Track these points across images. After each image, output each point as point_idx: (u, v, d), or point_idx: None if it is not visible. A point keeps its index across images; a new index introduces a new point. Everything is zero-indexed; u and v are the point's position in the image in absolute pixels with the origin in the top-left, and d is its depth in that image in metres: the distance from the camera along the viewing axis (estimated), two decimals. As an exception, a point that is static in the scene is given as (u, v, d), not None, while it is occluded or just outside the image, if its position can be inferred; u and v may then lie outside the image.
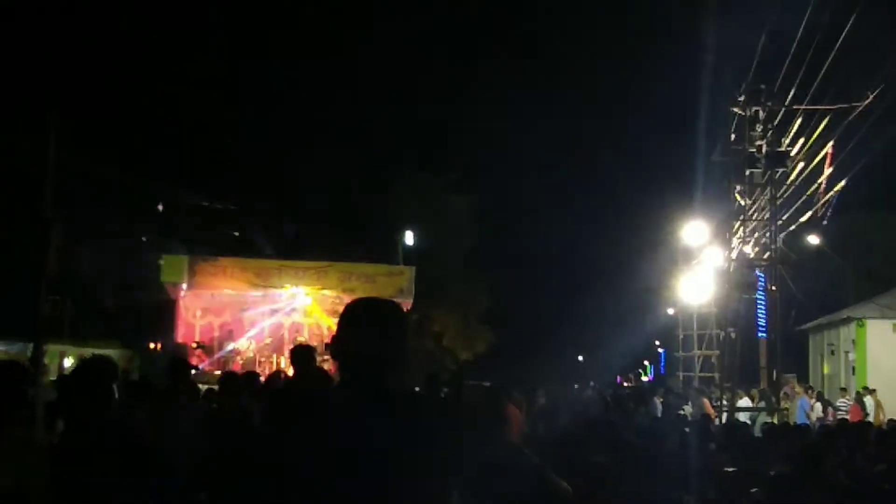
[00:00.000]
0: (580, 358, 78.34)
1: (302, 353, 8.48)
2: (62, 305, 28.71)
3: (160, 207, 35.63)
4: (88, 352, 28.70)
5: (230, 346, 25.87)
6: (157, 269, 26.99)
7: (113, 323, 36.01)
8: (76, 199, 27.23)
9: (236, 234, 38.23)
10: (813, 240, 32.89)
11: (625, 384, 55.08)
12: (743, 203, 26.42)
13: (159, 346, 28.72)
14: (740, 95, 24.71)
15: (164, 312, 28.16)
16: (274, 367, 24.19)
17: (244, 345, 25.93)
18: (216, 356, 25.56)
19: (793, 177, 26.00)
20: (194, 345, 25.59)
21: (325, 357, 15.91)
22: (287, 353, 25.89)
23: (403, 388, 3.35)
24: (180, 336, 26.18)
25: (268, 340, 26.28)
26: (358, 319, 3.22)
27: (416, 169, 43.32)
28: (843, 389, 27.23)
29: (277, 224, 38.95)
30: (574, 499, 6.74)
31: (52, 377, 19.13)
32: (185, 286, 25.94)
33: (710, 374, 31.36)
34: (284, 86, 42.55)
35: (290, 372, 9.74)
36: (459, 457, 3.21)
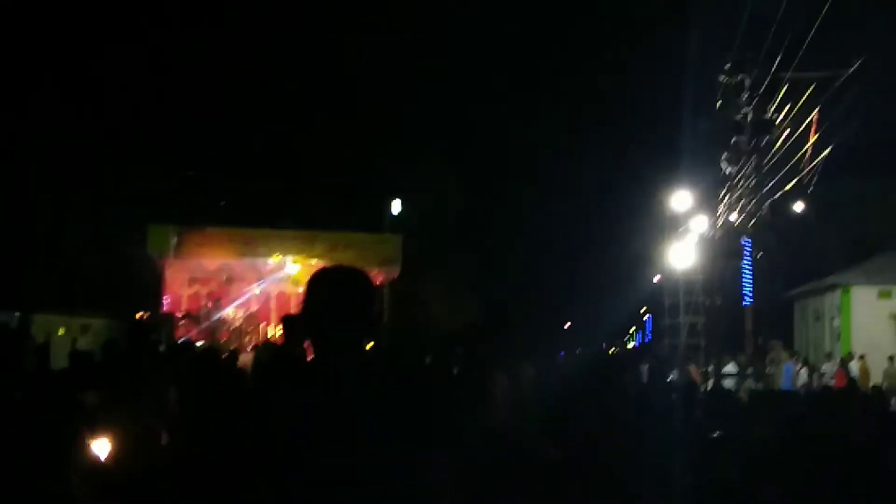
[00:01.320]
0: (568, 325, 78.57)
1: (291, 323, 8.54)
2: (49, 276, 28.64)
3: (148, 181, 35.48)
4: (76, 322, 28.76)
5: (217, 316, 25.89)
6: (144, 240, 26.91)
7: (100, 293, 35.93)
8: (63, 169, 27.09)
9: (223, 203, 38.11)
10: (798, 207, 32.95)
11: (611, 351, 55.25)
12: (729, 171, 26.46)
13: (146, 316, 28.68)
14: (726, 63, 24.71)
15: (150, 282, 28.14)
16: (262, 337, 24.28)
17: (231, 314, 25.95)
18: (203, 326, 25.57)
19: (778, 144, 26.03)
20: (181, 315, 25.60)
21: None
22: (276, 323, 25.99)
23: (379, 355, 3.39)
24: (167, 306, 26.18)
25: (255, 310, 26.31)
26: (330, 287, 3.21)
27: (403, 137, 43.23)
28: (829, 355, 27.43)
29: (265, 193, 38.81)
30: (561, 465, 6.80)
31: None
32: (171, 256, 25.91)
33: (696, 341, 31.51)
34: (271, 53, 42.23)
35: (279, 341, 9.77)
36: (441, 426, 3.23)
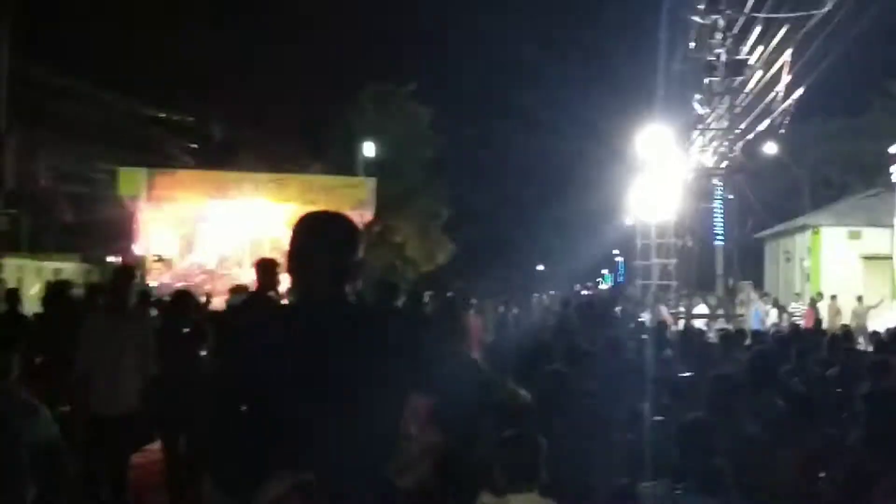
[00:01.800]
0: (540, 267, 78.91)
1: (266, 267, 8.56)
2: (19, 219, 28.44)
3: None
4: (48, 266, 28.61)
5: (190, 259, 25.81)
6: (115, 182, 26.70)
7: (71, 236, 35.73)
8: (31, 110, 26.77)
9: (194, 145, 37.85)
10: (770, 148, 33.12)
11: (584, 293, 55.57)
12: (702, 112, 26.50)
13: (119, 259, 28.56)
14: (700, 3, 24.64)
15: (122, 225, 27.98)
16: (235, 280, 24.23)
17: (204, 257, 25.87)
18: (176, 269, 25.49)
19: (751, 85, 26.07)
20: (154, 258, 25.49)
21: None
22: (250, 266, 25.95)
23: (359, 299, 3.47)
24: (140, 249, 26.05)
25: (228, 253, 26.23)
26: (315, 233, 3.26)
27: (374, 79, 42.95)
28: (798, 295, 27.71)
29: (236, 135, 38.54)
30: (532, 406, 6.87)
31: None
32: (143, 199, 25.74)
33: (667, 283, 31.73)
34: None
35: (254, 285, 9.71)
36: (419, 369, 3.34)
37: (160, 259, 25.45)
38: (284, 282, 11.73)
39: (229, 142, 37.57)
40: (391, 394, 3.16)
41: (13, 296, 11.33)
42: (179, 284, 23.52)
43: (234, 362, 3.31)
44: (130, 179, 26.02)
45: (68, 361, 7.91)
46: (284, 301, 9.16)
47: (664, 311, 22.31)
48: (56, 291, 11.53)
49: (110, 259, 29.05)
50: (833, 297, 25.29)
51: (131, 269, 9.33)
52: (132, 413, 7.70)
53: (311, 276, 3.22)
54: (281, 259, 12.69)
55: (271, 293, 8.63)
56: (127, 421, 7.70)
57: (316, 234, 3.26)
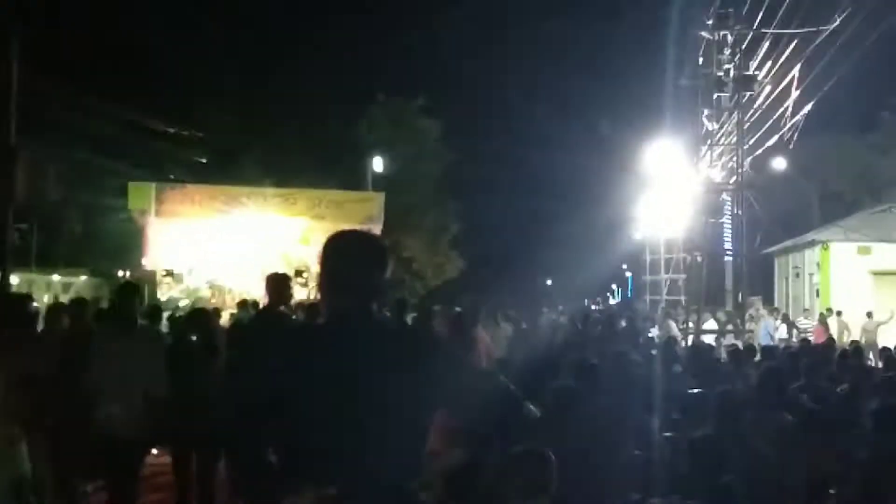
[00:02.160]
0: (549, 282, 78.86)
1: (277, 282, 8.57)
2: (29, 234, 28.55)
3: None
4: (57, 280, 28.70)
5: (199, 274, 25.83)
6: (124, 197, 26.77)
7: (80, 251, 35.83)
8: (41, 124, 26.86)
9: (204, 160, 37.93)
10: (779, 163, 33.11)
11: (593, 307, 55.57)
12: (710, 127, 26.49)
13: (127, 274, 28.65)
14: (708, 19, 24.65)
15: (131, 240, 28.05)
16: (243, 295, 24.24)
17: (213, 272, 25.89)
18: (185, 284, 25.52)
19: (760, 100, 26.07)
20: (163, 272, 25.51)
21: (296, 283, 16.06)
22: (259, 280, 25.95)
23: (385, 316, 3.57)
24: (149, 264, 26.09)
25: (237, 267, 26.26)
26: (349, 252, 3.38)
27: (384, 94, 43.00)
28: (807, 310, 27.63)
29: (245, 150, 38.61)
30: (542, 422, 6.86)
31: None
32: (152, 213, 25.78)
33: (676, 298, 31.68)
34: (254, 8, 41.92)
35: (264, 300, 9.69)
36: (445, 387, 3.37)
37: (169, 273, 25.46)
38: (296, 295, 11.77)
39: (238, 156, 37.63)
40: (417, 410, 3.23)
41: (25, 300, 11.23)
42: (185, 300, 23.62)
43: (262, 375, 3.38)
44: (140, 194, 26.06)
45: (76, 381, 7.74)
46: (295, 315, 9.18)
47: (673, 327, 22.25)
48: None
49: (119, 273, 29.14)
50: (839, 314, 25.21)
51: (134, 286, 9.07)
52: (141, 434, 7.49)
53: (341, 294, 3.33)
54: (291, 273, 12.63)
55: (283, 308, 8.62)
56: (135, 443, 7.51)
57: (348, 254, 3.38)
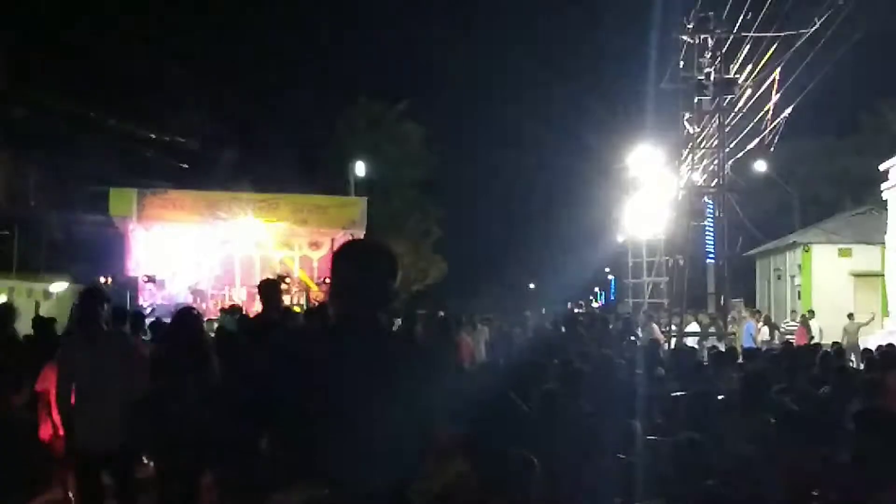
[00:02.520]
0: (532, 285, 78.92)
1: (270, 288, 8.61)
2: (9, 240, 28.38)
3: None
4: (39, 287, 28.51)
5: (181, 280, 25.78)
6: (106, 203, 26.66)
7: (61, 257, 35.62)
8: (22, 131, 26.76)
9: (184, 165, 37.81)
10: (760, 166, 33.26)
11: (576, 311, 55.59)
12: (692, 130, 26.56)
13: (109, 280, 28.49)
14: (689, 23, 24.72)
15: (113, 246, 27.94)
16: (226, 300, 24.19)
17: (195, 278, 25.84)
18: (167, 290, 25.47)
19: (741, 104, 26.15)
20: (145, 278, 25.44)
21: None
22: (241, 286, 25.91)
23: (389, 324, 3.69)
24: (131, 269, 26.00)
25: (219, 273, 26.23)
26: (359, 261, 3.47)
27: (366, 98, 43.02)
28: (794, 312, 27.69)
29: (226, 155, 38.53)
30: (526, 426, 6.87)
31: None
32: (134, 219, 25.71)
33: (659, 301, 31.74)
34: (235, 13, 41.95)
35: (250, 305, 9.71)
36: (447, 397, 3.58)
37: (151, 279, 25.39)
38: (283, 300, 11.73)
39: (220, 162, 37.54)
40: (417, 417, 3.29)
41: (6, 317, 11.15)
42: (166, 304, 23.51)
43: (266, 374, 3.48)
44: (121, 200, 25.98)
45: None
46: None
47: (656, 330, 22.29)
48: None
49: (102, 279, 28.97)
50: (811, 315, 25.21)
51: (98, 291, 8.24)
52: (117, 448, 7.17)
53: (349, 300, 3.43)
54: (276, 278, 12.58)
55: (275, 314, 8.64)
56: (111, 458, 7.22)
57: (357, 262, 3.46)
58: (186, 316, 7.83)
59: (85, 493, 7.40)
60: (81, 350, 7.35)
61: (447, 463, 3.42)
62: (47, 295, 28.73)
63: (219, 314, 21.18)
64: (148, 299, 24.57)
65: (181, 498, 7.27)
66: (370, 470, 3.14)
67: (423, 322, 14.74)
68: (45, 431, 9.14)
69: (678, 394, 8.71)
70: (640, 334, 19.97)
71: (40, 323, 12.54)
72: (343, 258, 3.48)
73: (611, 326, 20.15)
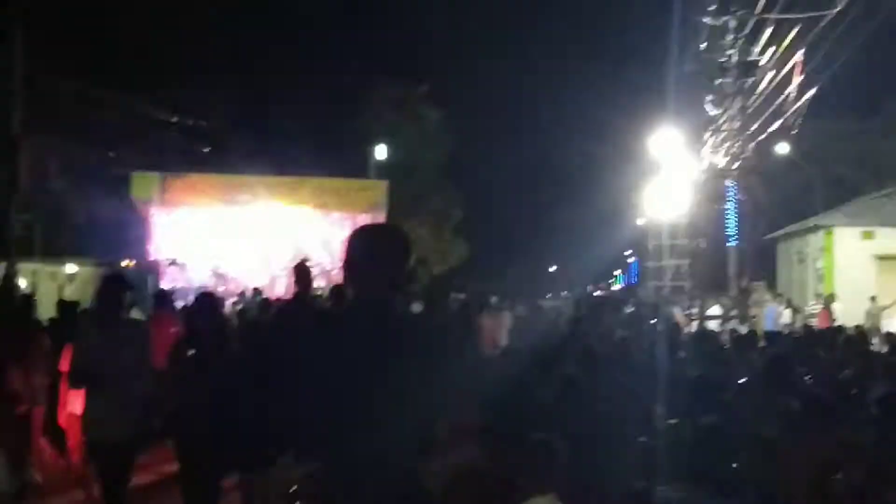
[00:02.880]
0: (552, 268, 78.86)
1: (304, 271, 8.74)
2: (33, 224, 28.52)
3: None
4: (62, 270, 28.69)
5: (203, 263, 25.88)
6: (128, 187, 26.79)
7: (85, 241, 35.80)
8: (45, 114, 26.85)
9: (206, 149, 37.91)
10: (782, 149, 33.03)
11: (596, 293, 55.51)
12: (713, 113, 26.44)
13: (132, 263, 28.65)
14: (711, 4, 24.59)
15: (135, 229, 28.08)
16: (247, 284, 24.29)
17: (217, 261, 25.93)
18: (189, 273, 25.56)
19: (763, 86, 26.00)
20: (167, 261, 25.56)
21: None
22: (262, 269, 25.99)
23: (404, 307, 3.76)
24: (153, 253, 26.14)
25: (241, 256, 26.31)
26: (372, 245, 3.53)
27: (387, 81, 42.96)
28: (819, 295, 27.53)
29: (248, 139, 38.59)
30: (546, 410, 6.88)
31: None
32: (156, 203, 25.82)
33: (680, 283, 31.66)
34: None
35: (271, 289, 9.79)
36: (458, 381, 3.66)
37: (173, 263, 25.51)
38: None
39: (242, 146, 37.60)
40: (424, 400, 3.32)
41: (27, 302, 11.26)
42: (188, 288, 23.62)
43: (282, 349, 3.56)
44: (144, 183, 26.12)
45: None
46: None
47: (677, 313, 22.24)
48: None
49: (124, 263, 29.14)
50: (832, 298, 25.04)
51: (121, 277, 8.08)
52: (130, 439, 7.00)
53: (362, 284, 3.48)
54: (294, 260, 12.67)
55: (307, 296, 8.79)
56: (124, 448, 6.96)
57: (371, 247, 3.51)
58: (205, 301, 7.66)
59: (103, 481, 7.14)
60: (97, 335, 7.13)
61: (460, 448, 3.44)
62: (70, 278, 28.93)
63: (240, 297, 21.31)
64: (170, 282, 24.68)
65: (202, 497, 7.04)
66: (378, 447, 3.19)
67: (446, 305, 14.80)
68: (62, 417, 9.23)
69: (699, 377, 8.70)
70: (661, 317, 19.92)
71: (63, 306, 12.69)
72: (355, 242, 3.52)
73: (631, 310, 20.16)
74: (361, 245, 3.52)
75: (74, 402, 8.49)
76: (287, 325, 4.20)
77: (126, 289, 7.40)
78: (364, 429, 3.20)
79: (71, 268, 29.14)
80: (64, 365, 8.61)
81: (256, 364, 3.61)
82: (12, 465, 8.78)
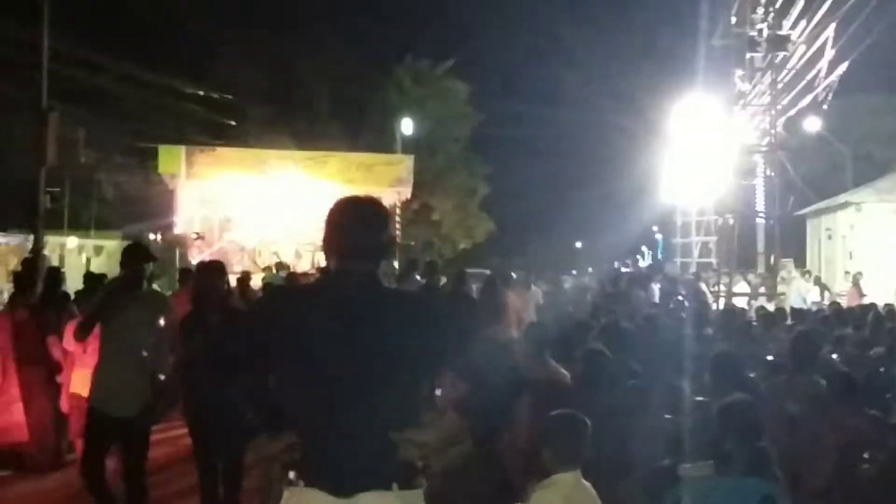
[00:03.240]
0: (578, 244, 78.63)
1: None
2: (61, 197, 28.71)
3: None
4: (89, 243, 28.88)
5: (229, 237, 25.95)
6: (155, 160, 26.87)
7: (111, 214, 36.05)
8: (71, 88, 26.94)
9: (233, 122, 37.99)
10: (812, 124, 32.70)
11: (623, 270, 55.30)
12: (743, 88, 26.21)
13: (159, 236, 28.79)
14: (741, -23, 24.37)
15: (162, 203, 28.20)
16: (275, 258, 24.35)
17: (242, 235, 26.01)
18: (216, 247, 25.63)
19: (794, 60, 25.75)
20: (194, 235, 25.65)
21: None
22: (291, 244, 26.04)
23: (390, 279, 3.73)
24: (179, 226, 26.22)
25: (266, 230, 26.36)
26: (349, 218, 3.50)
27: (413, 56, 42.87)
28: (847, 273, 27.30)
29: (274, 112, 38.63)
30: (572, 385, 6.84)
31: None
32: (182, 176, 25.87)
33: (707, 260, 31.49)
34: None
35: (297, 263, 9.73)
36: (445, 350, 3.55)
37: (199, 236, 25.59)
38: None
39: (267, 119, 37.66)
40: (411, 369, 3.33)
41: (54, 275, 11.29)
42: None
43: (263, 322, 3.54)
44: (170, 157, 26.15)
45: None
46: None
47: (705, 289, 22.09)
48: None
49: (151, 236, 29.29)
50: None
51: (141, 248, 7.53)
52: (132, 417, 6.70)
53: (341, 257, 3.46)
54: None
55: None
56: (125, 426, 6.72)
57: (347, 219, 3.49)
58: (206, 271, 7.24)
59: (86, 456, 6.84)
60: (111, 304, 6.91)
61: (446, 424, 3.41)
62: (98, 251, 29.12)
63: (265, 272, 21.35)
64: (196, 256, 24.75)
65: (218, 477, 6.81)
66: (363, 418, 3.20)
67: (472, 281, 14.74)
68: (64, 401, 9.06)
69: (725, 354, 8.63)
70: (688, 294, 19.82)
71: (90, 278, 12.76)
72: (331, 216, 3.50)
73: (658, 286, 20.04)
74: (339, 217, 3.50)
75: (76, 382, 8.37)
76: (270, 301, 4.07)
77: (147, 259, 7.12)
78: (349, 400, 3.21)
79: (108, 242, 29.30)
80: (68, 344, 8.50)
81: (246, 337, 3.54)
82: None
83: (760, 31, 24.15)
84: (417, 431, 3.28)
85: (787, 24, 24.94)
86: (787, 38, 24.29)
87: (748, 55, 24.88)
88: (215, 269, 7.21)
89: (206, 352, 6.42)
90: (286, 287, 8.27)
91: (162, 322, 7.00)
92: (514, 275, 17.33)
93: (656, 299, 18.30)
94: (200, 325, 6.72)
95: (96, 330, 6.96)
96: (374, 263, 3.44)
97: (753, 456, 4.68)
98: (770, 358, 8.91)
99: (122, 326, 6.79)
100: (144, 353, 6.81)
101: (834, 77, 25.72)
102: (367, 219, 3.48)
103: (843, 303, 20.24)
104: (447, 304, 11.18)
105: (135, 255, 7.11)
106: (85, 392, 7.31)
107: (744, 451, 4.69)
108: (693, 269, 29.43)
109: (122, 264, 7.07)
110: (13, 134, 24.41)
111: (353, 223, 3.45)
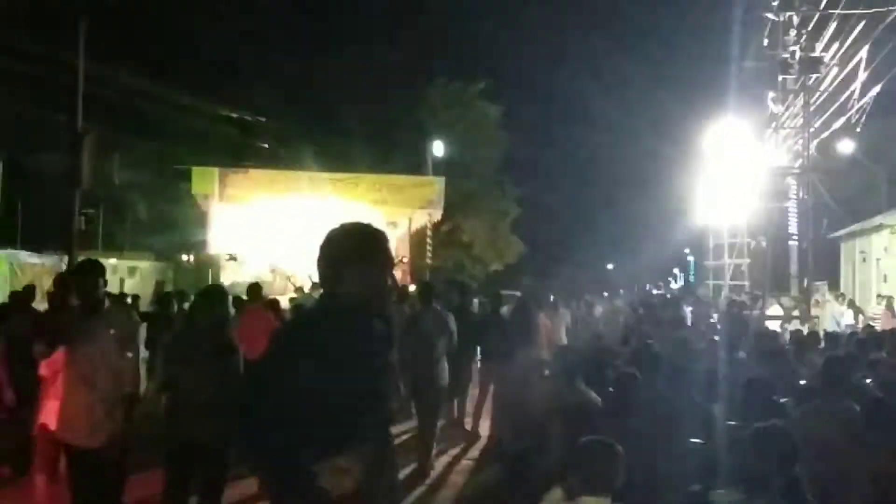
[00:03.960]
0: (610, 266, 78.44)
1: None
2: (95, 218, 29.00)
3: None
4: (123, 264, 29.08)
5: (261, 258, 26.07)
6: (188, 181, 27.09)
7: (145, 235, 36.33)
8: (106, 110, 27.24)
9: (266, 145, 38.24)
10: (846, 146, 32.50)
11: (654, 292, 55.11)
12: (775, 110, 26.11)
13: (192, 257, 28.98)
14: (774, 0, 24.30)
15: (195, 224, 28.41)
16: (308, 280, 24.44)
17: (275, 256, 26.11)
18: (247, 268, 25.76)
19: (826, 82, 25.63)
20: (226, 256, 25.79)
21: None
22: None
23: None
24: (212, 247, 26.38)
25: (299, 252, 26.45)
26: (328, 249, 3.57)
27: (445, 78, 43.00)
28: (881, 297, 27.04)
29: (306, 134, 38.84)
30: (602, 408, 6.82)
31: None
32: (216, 197, 26.05)
33: (740, 283, 31.30)
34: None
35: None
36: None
37: (233, 258, 25.74)
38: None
39: (299, 141, 37.87)
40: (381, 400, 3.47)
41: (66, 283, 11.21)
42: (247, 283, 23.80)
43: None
44: (203, 178, 26.36)
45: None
46: None
47: (737, 312, 21.92)
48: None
49: (184, 257, 29.49)
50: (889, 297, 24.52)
51: (97, 264, 6.76)
52: (111, 444, 6.27)
53: (348, 284, 3.49)
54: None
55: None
56: (103, 454, 6.25)
57: (327, 250, 3.58)
58: (206, 296, 6.85)
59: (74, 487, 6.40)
60: (79, 328, 6.45)
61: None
62: (132, 272, 29.32)
63: (297, 293, 21.41)
64: (229, 277, 24.88)
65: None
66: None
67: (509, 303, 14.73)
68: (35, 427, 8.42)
69: (760, 378, 8.57)
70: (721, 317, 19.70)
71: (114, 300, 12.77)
72: (335, 242, 3.56)
73: (689, 308, 19.95)
74: (322, 249, 3.54)
75: (48, 413, 7.73)
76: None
77: (101, 273, 6.55)
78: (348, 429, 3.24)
79: (131, 261, 29.52)
80: (43, 370, 7.99)
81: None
82: None
83: (793, 53, 24.08)
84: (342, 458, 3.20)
85: (819, 46, 24.85)
86: (819, 60, 24.20)
87: (780, 77, 24.80)
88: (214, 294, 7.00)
89: (199, 381, 6.30)
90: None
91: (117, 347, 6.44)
92: (551, 297, 17.30)
93: (689, 322, 18.21)
94: (196, 348, 6.50)
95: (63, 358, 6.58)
96: (375, 294, 3.49)
97: (788, 483, 4.65)
98: (803, 382, 8.84)
99: (86, 351, 6.34)
100: (113, 378, 6.33)
101: (867, 99, 25.56)
102: (374, 248, 3.55)
103: (878, 326, 20.06)
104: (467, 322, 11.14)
105: (86, 270, 6.63)
106: (52, 424, 6.93)
107: (778, 478, 4.65)
108: (726, 291, 29.24)
109: (77, 285, 6.69)
110: (49, 157, 24.71)
111: (360, 252, 3.54)
